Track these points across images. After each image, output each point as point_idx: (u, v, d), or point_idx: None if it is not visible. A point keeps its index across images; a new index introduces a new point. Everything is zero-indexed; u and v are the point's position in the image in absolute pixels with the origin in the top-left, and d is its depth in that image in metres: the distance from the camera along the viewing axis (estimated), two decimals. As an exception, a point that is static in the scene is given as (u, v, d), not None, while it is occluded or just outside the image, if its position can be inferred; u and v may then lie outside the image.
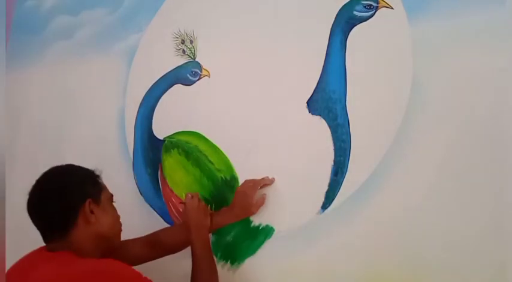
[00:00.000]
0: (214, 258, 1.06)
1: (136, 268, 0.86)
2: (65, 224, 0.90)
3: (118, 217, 1.00)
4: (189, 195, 1.12)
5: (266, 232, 1.10)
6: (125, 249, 1.06)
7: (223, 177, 1.19)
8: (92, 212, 0.92)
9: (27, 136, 1.66)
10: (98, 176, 0.99)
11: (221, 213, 1.13)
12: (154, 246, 1.12)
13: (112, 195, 1.00)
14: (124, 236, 1.02)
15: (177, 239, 1.12)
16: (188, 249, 1.06)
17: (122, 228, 1.00)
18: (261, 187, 1.10)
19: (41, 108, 1.64)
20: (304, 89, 1.09)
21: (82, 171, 0.97)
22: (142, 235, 1.14)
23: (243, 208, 1.10)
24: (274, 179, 1.10)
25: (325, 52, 1.07)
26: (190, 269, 1.00)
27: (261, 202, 1.10)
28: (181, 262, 1.09)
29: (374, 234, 0.96)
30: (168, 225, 1.25)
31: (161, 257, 1.13)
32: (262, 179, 1.10)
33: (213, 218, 1.12)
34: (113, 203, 1.00)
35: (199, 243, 1.04)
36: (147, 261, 1.10)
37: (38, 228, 0.91)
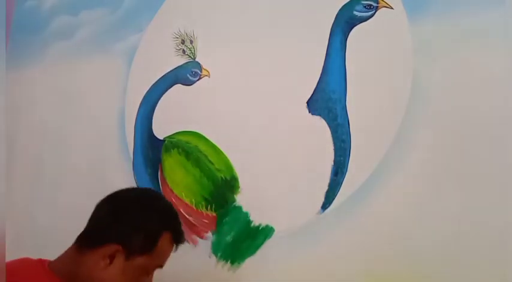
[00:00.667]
0: (215, 258, 1.05)
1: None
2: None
3: None
4: None
5: (266, 232, 1.10)
6: None
7: (223, 177, 1.19)
8: (110, 260, 0.81)
9: (28, 136, 1.66)
10: (179, 235, 0.88)
11: None
12: None
13: (157, 267, 0.87)
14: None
15: None
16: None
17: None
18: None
19: (41, 108, 1.64)
20: (304, 89, 1.09)
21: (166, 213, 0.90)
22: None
23: None
24: None
25: (325, 52, 1.07)
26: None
27: None
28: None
29: (374, 234, 0.96)
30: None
31: None
32: None
33: None
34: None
35: None
36: None
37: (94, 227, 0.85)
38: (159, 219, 0.87)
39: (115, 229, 0.83)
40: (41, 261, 0.87)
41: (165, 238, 0.86)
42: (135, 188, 0.89)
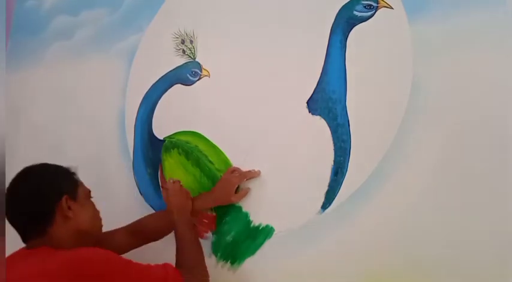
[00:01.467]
0: (215, 258, 1.06)
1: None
2: (42, 222, 0.90)
3: (97, 212, 1.00)
4: (171, 180, 1.15)
5: (266, 232, 1.10)
6: (108, 241, 1.07)
7: (223, 177, 1.19)
8: (69, 207, 0.92)
9: (27, 136, 1.66)
10: (73, 173, 0.99)
11: (201, 197, 1.16)
12: (137, 234, 1.13)
13: (90, 191, 1.01)
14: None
15: (159, 225, 1.14)
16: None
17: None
18: (247, 179, 1.13)
19: (41, 108, 1.64)
20: (304, 89, 1.09)
21: (56, 169, 0.98)
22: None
23: (223, 194, 1.12)
24: (260, 172, 1.12)
25: (325, 52, 1.07)
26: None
27: (244, 194, 1.12)
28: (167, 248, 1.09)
29: (374, 234, 0.96)
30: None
31: (145, 244, 1.14)
32: (249, 171, 1.13)
33: (193, 201, 1.14)
34: (91, 199, 1.01)
35: (181, 223, 1.05)
36: (133, 249, 1.11)
37: (16, 229, 0.92)
38: (55, 168, 0.98)
39: (45, 196, 0.91)
40: (16, 251, 0.92)
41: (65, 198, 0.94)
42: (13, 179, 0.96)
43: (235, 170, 1.14)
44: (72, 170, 1.00)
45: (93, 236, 0.98)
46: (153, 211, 1.28)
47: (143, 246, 1.14)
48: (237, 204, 1.14)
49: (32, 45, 1.71)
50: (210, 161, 1.22)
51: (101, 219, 1.01)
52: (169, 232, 1.13)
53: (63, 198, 0.92)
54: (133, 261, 0.87)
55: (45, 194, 0.92)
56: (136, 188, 1.33)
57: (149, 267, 0.89)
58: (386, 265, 0.94)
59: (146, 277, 0.87)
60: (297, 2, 1.14)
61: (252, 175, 1.12)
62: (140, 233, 1.13)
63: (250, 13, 1.21)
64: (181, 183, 1.15)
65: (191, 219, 1.09)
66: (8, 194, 0.91)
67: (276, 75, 1.14)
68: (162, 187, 1.22)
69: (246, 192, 1.13)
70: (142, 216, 1.18)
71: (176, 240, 1.03)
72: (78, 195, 0.96)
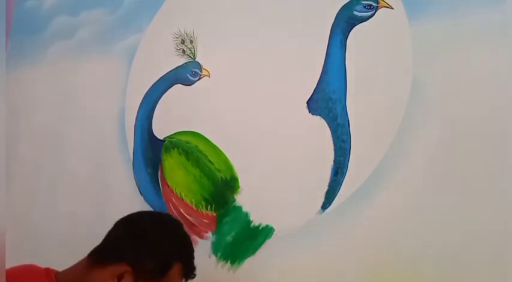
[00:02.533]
0: (215, 258, 1.05)
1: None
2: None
3: None
4: None
5: (266, 232, 1.10)
6: None
7: (223, 177, 1.19)
8: (119, 278, 0.81)
9: (27, 136, 1.66)
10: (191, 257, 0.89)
11: None
12: None
13: None
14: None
15: None
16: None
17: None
18: None
19: (41, 108, 1.64)
20: (304, 89, 1.09)
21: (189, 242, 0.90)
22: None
23: None
24: None
25: (325, 52, 1.07)
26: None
27: None
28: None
29: (374, 234, 0.96)
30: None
31: None
32: None
33: None
34: None
35: None
36: None
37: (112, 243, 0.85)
38: (174, 249, 0.86)
39: (129, 249, 0.83)
40: (47, 271, 0.85)
41: (176, 269, 0.85)
42: (157, 212, 0.89)
43: None
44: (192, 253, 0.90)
45: None
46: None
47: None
48: (237, 204, 1.14)
49: (32, 45, 1.71)
50: (210, 161, 1.22)
51: None
52: None
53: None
54: None
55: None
56: (137, 188, 1.33)
57: None
58: (387, 265, 0.94)
59: None
60: (297, 2, 1.14)
61: None
62: None
63: (250, 13, 1.21)
64: None
65: None
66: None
67: (276, 75, 1.14)
68: None
69: None
70: None
71: None
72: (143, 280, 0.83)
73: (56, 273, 0.85)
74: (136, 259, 0.82)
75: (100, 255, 0.84)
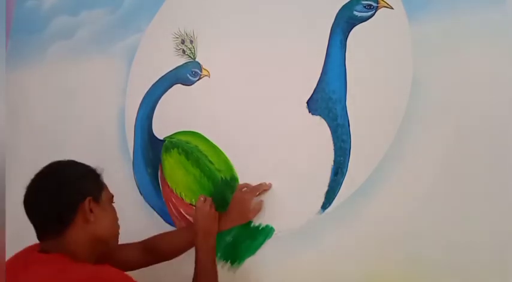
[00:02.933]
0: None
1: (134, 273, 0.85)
2: (62, 221, 0.86)
3: (117, 219, 0.96)
4: (202, 198, 1.09)
5: (266, 232, 1.10)
6: (121, 254, 1.04)
7: (223, 177, 1.19)
8: (91, 210, 0.88)
9: (27, 136, 1.66)
10: (99, 175, 0.96)
11: (219, 219, 1.11)
12: (152, 252, 1.10)
13: (112, 196, 0.98)
14: (124, 236, 1.01)
15: (176, 245, 1.11)
16: (187, 257, 1.05)
17: (122, 228, 1.00)
18: (259, 193, 1.10)
19: (41, 108, 1.64)
20: (304, 89, 1.09)
21: (84, 168, 0.95)
22: (142, 235, 1.14)
23: (240, 213, 1.09)
24: (271, 184, 1.10)
25: (325, 52, 1.07)
26: (189, 276, 1.00)
27: (258, 208, 1.10)
28: (180, 268, 1.09)
29: (374, 234, 0.96)
30: (168, 226, 1.25)
31: (158, 262, 1.11)
32: (260, 185, 1.10)
33: None
34: (113, 204, 0.98)
35: (205, 248, 1.02)
36: (143, 267, 1.09)
37: (34, 225, 0.88)
38: (83, 166, 0.95)
39: (69, 194, 0.88)
40: (29, 248, 0.90)
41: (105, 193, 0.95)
42: (38, 172, 0.93)
43: (245, 186, 1.11)
44: (99, 172, 0.96)
45: (109, 244, 0.93)
46: (153, 211, 1.28)
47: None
48: (237, 204, 1.14)
49: (32, 45, 1.71)
50: (210, 161, 1.22)
51: (119, 228, 0.96)
52: (185, 251, 1.10)
53: (87, 200, 0.88)
54: None
55: (69, 193, 0.88)
56: (137, 188, 1.33)
57: None
58: (386, 265, 0.94)
59: None
60: (297, 2, 1.14)
61: (263, 188, 1.09)
62: (155, 252, 1.10)
63: (250, 13, 1.21)
64: (211, 203, 1.09)
65: (215, 246, 1.06)
66: (30, 188, 0.89)
67: (276, 75, 1.14)
68: (190, 205, 1.16)
69: (260, 206, 1.10)
70: (158, 234, 1.15)
71: (196, 266, 1.00)
72: (102, 198, 0.92)
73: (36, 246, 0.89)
74: (84, 191, 0.89)
75: (60, 218, 0.87)
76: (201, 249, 1.02)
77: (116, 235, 0.96)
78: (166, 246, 1.12)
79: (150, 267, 1.11)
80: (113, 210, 0.97)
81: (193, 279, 0.99)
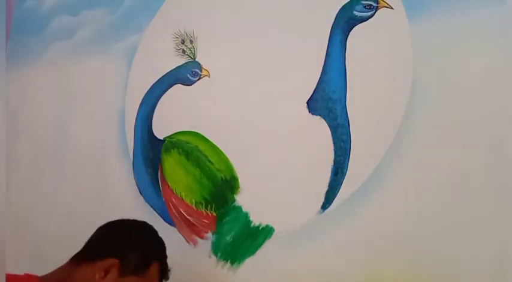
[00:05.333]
0: (215, 258, 1.05)
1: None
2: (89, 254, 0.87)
3: None
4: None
5: (266, 232, 1.10)
6: None
7: (223, 177, 1.19)
8: (105, 273, 0.84)
9: (27, 136, 1.66)
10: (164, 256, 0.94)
11: None
12: None
13: None
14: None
15: None
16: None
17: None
18: None
19: (41, 108, 1.64)
20: (304, 89, 1.09)
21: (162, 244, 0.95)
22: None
23: None
24: None
25: (325, 52, 1.07)
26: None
27: None
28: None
29: (374, 234, 0.96)
30: (168, 226, 1.24)
31: None
32: None
33: None
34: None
35: None
36: None
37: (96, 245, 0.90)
38: (154, 248, 0.93)
39: (115, 245, 0.88)
40: (28, 277, 0.87)
41: (154, 267, 0.90)
42: (133, 219, 0.96)
43: None
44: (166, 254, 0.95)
45: None
46: (153, 211, 1.28)
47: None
48: (237, 204, 1.14)
49: (32, 45, 1.71)
50: (210, 161, 1.22)
51: None
52: None
53: (112, 260, 0.85)
54: None
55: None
56: (137, 188, 1.33)
57: None
58: (387, 265, 0.94)
59: None
60: (296, 2, 1.14)
61: None
62: None
63: (250, 13, 1.21)
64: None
65: None
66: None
67: (276, 75, 1.14)
68: None
69: None
70: None
71: None
72: (131, 273, 0.87)
73: (38, 277, 0.87)
74: (122, 254, 0.87)
75: (86, 254, 0.88)
76: None
77: None
78: None
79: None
80: None
81: None
